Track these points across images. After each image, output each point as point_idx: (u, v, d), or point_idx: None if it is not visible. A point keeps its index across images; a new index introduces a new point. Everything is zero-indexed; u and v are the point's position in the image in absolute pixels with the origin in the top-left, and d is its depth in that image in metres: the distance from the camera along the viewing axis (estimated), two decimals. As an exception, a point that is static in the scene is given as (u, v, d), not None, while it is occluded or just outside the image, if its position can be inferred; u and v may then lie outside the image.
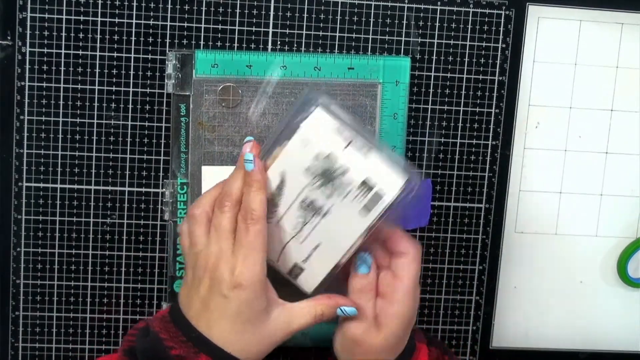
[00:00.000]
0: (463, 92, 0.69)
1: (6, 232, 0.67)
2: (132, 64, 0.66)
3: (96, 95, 0.66)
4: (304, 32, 0.67)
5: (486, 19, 0.68)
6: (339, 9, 0.67)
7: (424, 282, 0.71)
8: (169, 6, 0.65)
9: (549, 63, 0.70)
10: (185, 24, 0.66)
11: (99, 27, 0.65)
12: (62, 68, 0.65)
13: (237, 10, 0.66)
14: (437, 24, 0.68)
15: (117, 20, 0.65)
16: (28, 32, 0.65)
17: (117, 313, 0.69)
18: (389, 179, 0.55)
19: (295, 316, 0.56)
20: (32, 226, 0.67)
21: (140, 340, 0.55)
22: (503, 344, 0.73)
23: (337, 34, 0.67)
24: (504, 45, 0.69)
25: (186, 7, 0.66)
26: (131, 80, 0.66)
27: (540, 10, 0.69)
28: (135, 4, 0.65)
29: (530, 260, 0.72)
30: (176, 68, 0.65)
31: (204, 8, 0.66)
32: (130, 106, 0.66)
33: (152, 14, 0.65)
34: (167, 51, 0.66)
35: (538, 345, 0.73)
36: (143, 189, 0.67)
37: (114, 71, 0.66)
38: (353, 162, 0.55)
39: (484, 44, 0.68)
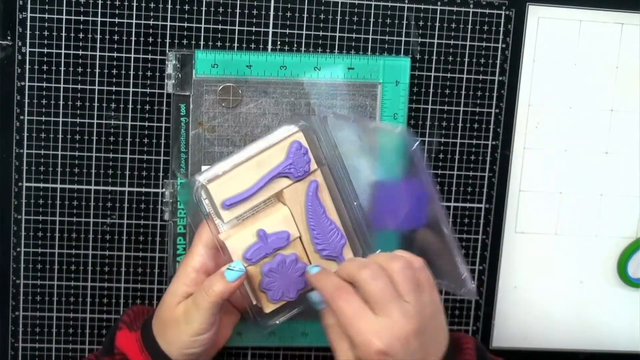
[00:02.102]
0: (463, 92, 0.69)
1: (6, 232, 0.67)
2: (132, 64, 0.66)
3: (96, 95, 0.66)
4: (304, 32, 0.67)
5: (486, 19, 0.68)
6: (339, 9, 0.67)
7: (424, 282, 0.71)
8: (169, 6, 0.65)
9: (549, 63, 0.70)
10: (185, 24, 0.66)
11: (99, 27, 0.65)
12: (62, 68, 0.65)
13: (237, 10, 0.66)
14: (437, 24, 0.68)
15: (117, 20, 0.65)
16: (28, 32, 0.65)
17: (117, 313, 0.69)
18: None
19: None
20: (32, 226, 0.67)
21: None
22: (503, 344, 0.73)
23: (337, 34, 0.67)
24: (504, 45, 0.69)
25: (186, 7, 0.66)
26: (131, 80, 0.66)
27: (540, 10, 0.69)
28: (135, 4, 0.65)
29: (530, 260, 0.72)
30: (176, 68, 0.65)
31: (204, 8, 0.66)
32: (130, 106, 0.66)
33: (152, 14, 0.65)
34: (167, 51, 0.66)
35: (538, 345, 0.73)
36: (143, 189, 0.67)
37: (114, 71, 0.66)
38: None
39: (484, 44, 0.68)
